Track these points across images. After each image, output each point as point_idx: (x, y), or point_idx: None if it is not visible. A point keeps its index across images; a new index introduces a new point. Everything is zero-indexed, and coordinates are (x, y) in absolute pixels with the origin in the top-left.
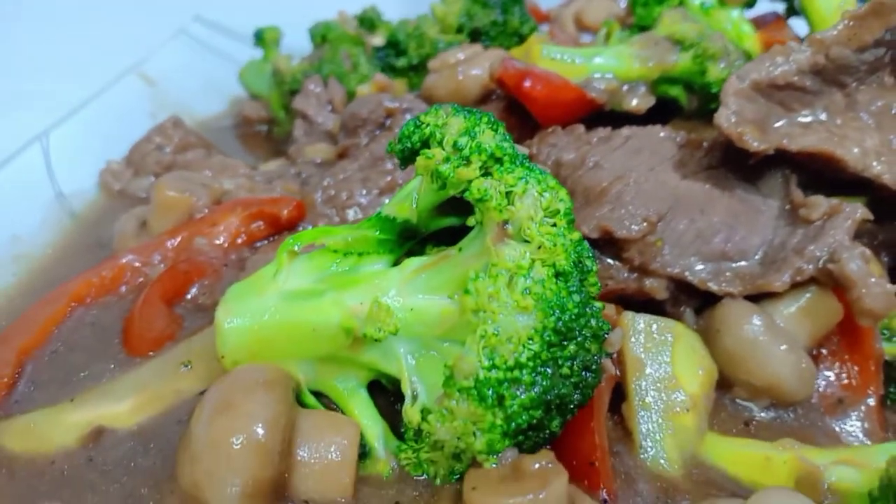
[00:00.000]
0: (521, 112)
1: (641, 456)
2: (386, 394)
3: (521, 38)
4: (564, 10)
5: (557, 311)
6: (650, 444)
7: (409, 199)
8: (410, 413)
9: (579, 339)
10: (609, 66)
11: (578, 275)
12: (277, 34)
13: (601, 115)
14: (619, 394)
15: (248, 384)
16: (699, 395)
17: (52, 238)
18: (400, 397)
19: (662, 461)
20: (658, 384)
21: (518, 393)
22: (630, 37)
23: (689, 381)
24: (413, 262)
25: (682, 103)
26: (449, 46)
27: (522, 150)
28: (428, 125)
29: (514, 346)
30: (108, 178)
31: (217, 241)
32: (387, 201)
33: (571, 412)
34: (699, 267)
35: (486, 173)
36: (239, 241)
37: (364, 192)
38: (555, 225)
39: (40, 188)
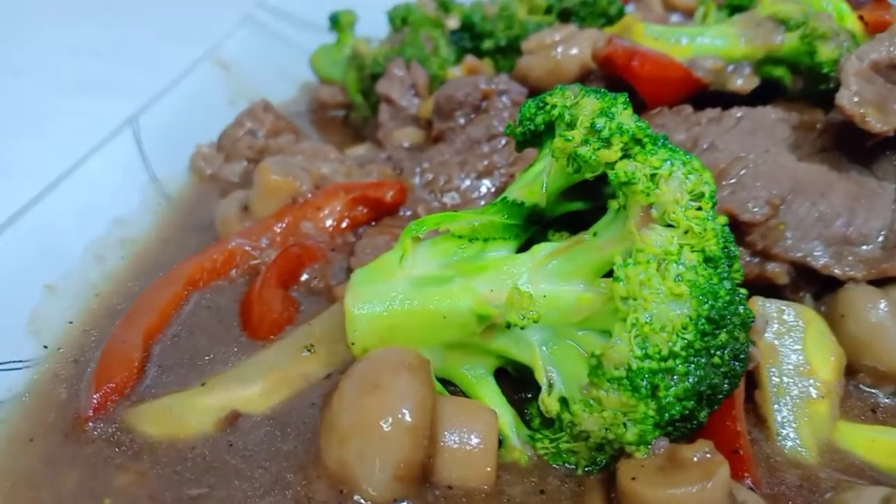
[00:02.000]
0: (622, 91)
1: (779, 443)
2: (509, 380)
3: (609, 19)
4: None
5: (710, 299)
6: (787, 431)
7: (538, 182)
8: (548, 402)
9: (729, 327)
10: (714, 45)
11: (726, 260)
12: (353, 18)
13: (700, 96)
14: (750, 380)
15: (393, 365)
16: (832, 382)
17: (153, 221)
18: (525, 385)
19: (800, 448)
20: (792, 371)
21: (672, 383)
22: (727, 16)
23: (821, 367)
24: (544, 248)
25: (787, 84)
26: (539, 28)
27: None
28: (555, 106)
29: (667, 336)
30: (200, 162)
31: (323, 225)
32: (485, 185)
33: (719, 402)
34: (821, 251)
35: (626, 155)
36: (343, 224)
37: (462, 175)
38: (700, 209)
39: (135, 172)
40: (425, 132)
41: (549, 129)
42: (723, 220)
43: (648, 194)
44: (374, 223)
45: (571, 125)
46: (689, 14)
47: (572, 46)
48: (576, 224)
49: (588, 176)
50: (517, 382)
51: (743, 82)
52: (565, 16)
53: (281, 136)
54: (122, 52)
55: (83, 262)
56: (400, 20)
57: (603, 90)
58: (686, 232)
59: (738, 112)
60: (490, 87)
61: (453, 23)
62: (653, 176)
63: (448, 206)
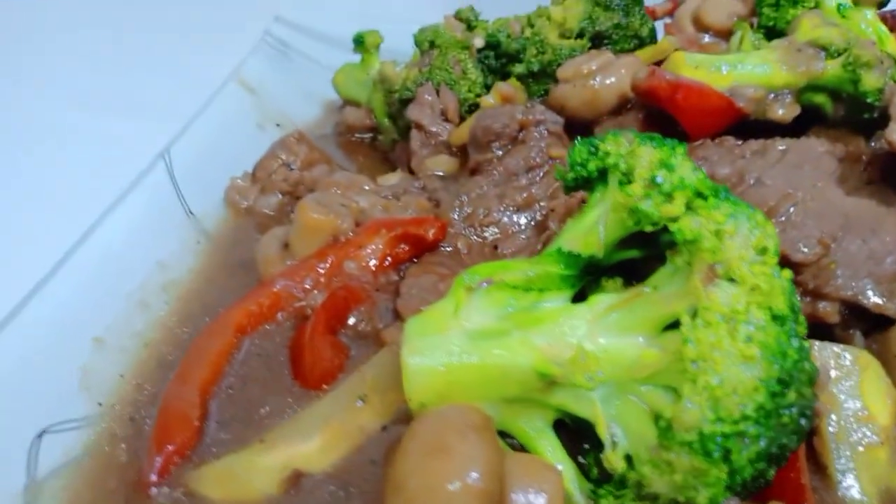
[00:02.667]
0: (662, 122)
1: (840, 493)
2: (565, 429)
3: (640, 41)
4: (682, 10)
5: (780, 360)
6: (847, 478)
7: (594, 233)
8: (612, 460)
9: (797, 384)
10: (755, 73)
11: (793, 317)
12: (378, 39)
13: (739, 125)
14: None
15: (459, 427)
16: (890, 427)
17: (193, 262)
18: (581, 434)
19: (861, 495)
20: (850, 417)
21: (744, 446)
22: (763, 40)
23: (880, 412)
24: (603, 300)
25: (827, 112)
26: (572, 53)
27: None
28: (609, 154)
29: (739, 399)
30: (235, 195)
31: (366, 265)
32: (525, 218)
33: (786, 458)
34: (872, 289)
35: (689, 209)
36: (386, 263)
37: (501, 208)
38: (764, 263)
39: (171, 209)
40: (458, 160)
41: (602, 175)
42: (788, 274)
43: (715, 252)
44: (415, 260)
45: (628, 175)
46: (721, 35)
47: (610, 75)
48: (626, 268)
49: (648, 229)
50: (573, 431)
51: (784, 111)
52: (598, 39)
53: (315, 167)
54: (137, 67)
55: (128, 311)
56: (427, 43)
57: (658, 136)
58: (752, 289)
59: (781, 144)
60: (527, 118)
61: (478, 42)
62: (718, 232)
63: (488, 240)
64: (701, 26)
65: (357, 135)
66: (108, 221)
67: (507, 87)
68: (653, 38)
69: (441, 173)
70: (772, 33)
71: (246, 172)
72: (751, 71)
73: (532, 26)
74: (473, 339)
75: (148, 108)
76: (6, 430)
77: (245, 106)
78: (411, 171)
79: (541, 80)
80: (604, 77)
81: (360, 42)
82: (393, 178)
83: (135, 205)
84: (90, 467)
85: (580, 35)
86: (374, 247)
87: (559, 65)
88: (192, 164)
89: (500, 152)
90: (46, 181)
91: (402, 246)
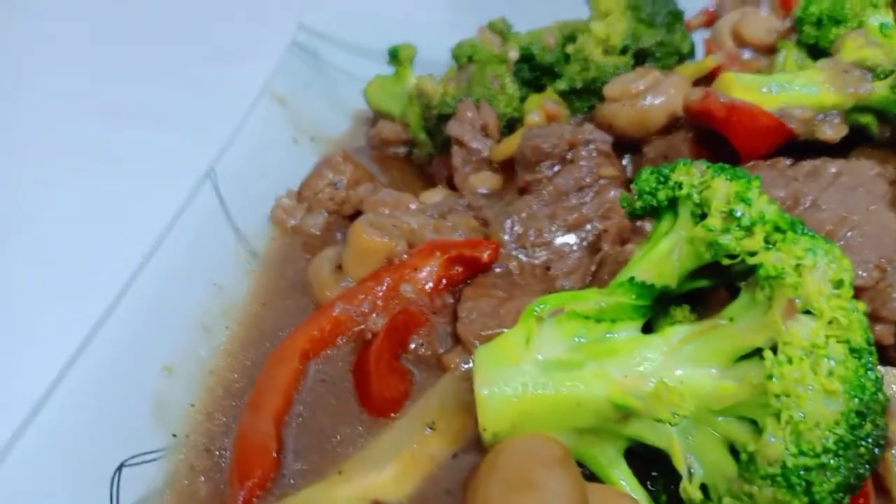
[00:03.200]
0: (711, 141)
1: None
2: (634, 456)
3: (681, 56)
4: (720, 25)
5: (858, 393)
6: None
7: (668, 264)
8: (690, 491)
9: (872, 416)
10: (804, 94)
11: (869, 349)
12: (412, 52)
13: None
14: None
15: (543, 460)
16: None
17: (247, 284)
18: (650, 463)
19: None
20: None
21: (825, 478)
22: (807, 59)
23: None
24: (677, 331)
25: (873, 132)
26: (616, 70)
27: None
28: (681, 185)
29: (821, 432)
30: (281, 214)
31: (422, 287)
32: (577, 238)
33: (860, 488)
34: None
35: (768, 242)
36: (441, 285)
37: (553, 228)
38: (840, 297)
39: (221, 230)
40: (501, 176)
41: (671, 205)
42: (862, 307)
43: (797, 288)
44: (469, 282)
45: (702, 206)
46: (761, 51)
47: (659, 94)
48: (691, 296)
49: (725, 262)
50: (641, 458)
51: (832, 132)
52: (641, 56)
53: (360, 186)
54: (161, 75)
55: (192, 338)
56: (466, 58)
57: (728, 167)
58: (831, 322)
59: (833, 167)
60: (576, 137)
61: (512, 54)
62: (798, 266)
63: (540, 260)
64: (741, 42)
65: (392, 149)
66: (164, 246)
67: (552, 104)
68: (692, 54)
69: (485, 191)
70: (814, 51)
71: (290, 190)
72: (799, 92)
73: (571, 40)
74: (547, 370)
75: (179, 119)
76: (87, 463)
77: (279, 121)
78: (451, 187)
79: (584, 96)
80: (653, 96)
81: (394, 55)
82: (436, 195)
83: (187, 227)
84: (171, 501)
85: (623, 52)
86: (429, 269)
87: (603, 82)
88: (235, 183)
89: (550, 172)
90: (92, 202)
91: (457, 268)
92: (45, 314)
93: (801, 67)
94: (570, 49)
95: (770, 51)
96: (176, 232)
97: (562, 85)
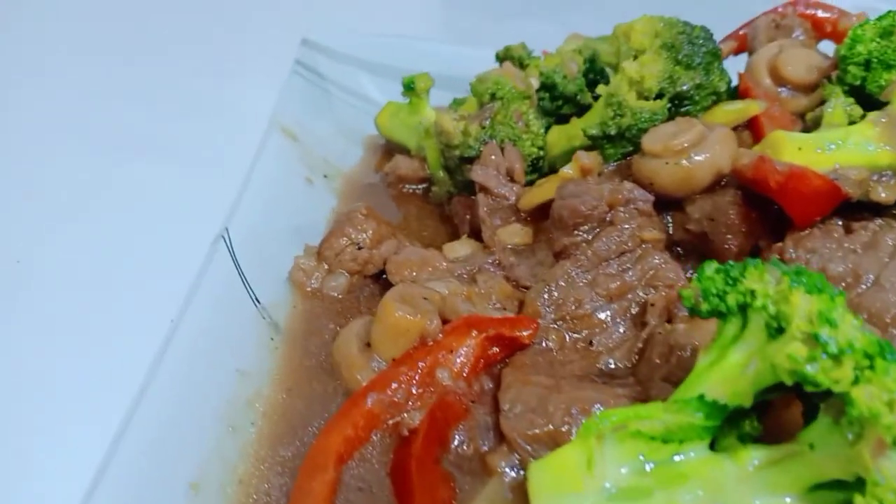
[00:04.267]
0: (759, 202)
1: None
2: None
3: (718, 96)
4: (756, 59)
5: None
6: None
7: (742, 380)
8: None
9: None
10: (859, 153)
11: None
12: (429, 82)
13: None
14: None
15: None
16: None
17: (271, 366)
18: None
19: None
20: None
21: None
22: (855, 107)
23: None
24: (753, 456)
25: None
26: (652, 117)
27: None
28: (754, 293)
29: None
30: (300, 277)
31: (458, 372)
32: (619, 308)
33: None
34: None
35: (857, 370)
36: (478, 368)
37: (593, 298)
38: None
39: (240, 300)
40: (531, 229)
41: (742, 310)
42: None
43: (891, 428)
44: (506, 363)
45: (777, 320)
46: (800, 89)
47: (704, 151)
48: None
49: (809, 389)
50: None
51: (886, 194)
52: (678, 100)
53: (384, 244)
54: (160, 99)
55: (218, 442)
56: (489, 95)
57: (806, 273)
58: None
59: (891, 236)
60: (616, 197)
61: (533, 82)
62: (890, 402)
63: (582, 335)
64: (779, 79)
65: (408, 186)
66: (181, 333)
67: (586, 157)
68: (729, 91)
69: (515, 243)
70: (858, 95)
71: (308, 247)
72: (853, 150)
73: (592, 62)
74: (613, 500)
75: (181, 150)
76: None
77: (291, 159)
78: (474, 232)
79: (617, 143)
80: (697, 153)
81: (410, 87)
82: (462, 248)
83: (204, 305)
84: None
85: (659, 95)
86: (465, 350)
87: (639, 129)
88: (251, 243)
89: (589, 235)
90: (89, 257)
91: (494, 348)
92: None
93: (850, 116)
94: (600, 90)
95: (810, 89)
96: (193, 312)
97: (593, 130)
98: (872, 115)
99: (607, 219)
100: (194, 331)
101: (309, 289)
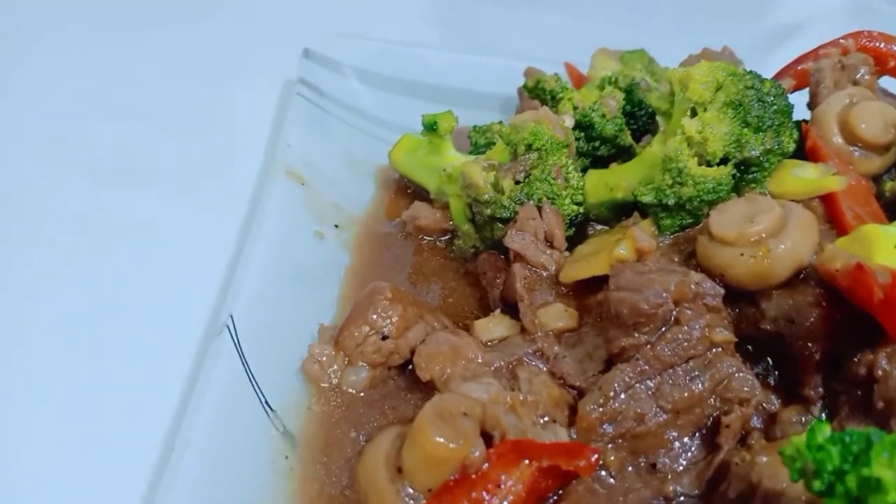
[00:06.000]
0: (844, 303)
1: None
2: None
3: (784, 155)
4: (824, 110)
5: None
6: None
7: None
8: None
9: None
10: None
11: None
12: (453, 122)
13: None
14: None
15: None
16: None
17: (287, 488)
18: None
19: None
20: None
21: None
22: None
23: None
24: None
25: None
26: (717, 188)
27: None
28: (880, 484)
29: None
30: (316, 370)
31: None
32: (683, 428)
33: None
34: None
35: None
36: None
37: (656, 410)
38: None
39: (249, 407)
40: (575, 308)
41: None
42: None
43: None
44: (560, 494)
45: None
46: (874, 149)
47: (783, 240)
48: None
49: None
50: None
51: None
52: (745, 167)
53: (411, 330)
54: (149, 116)
55: None
56: (524, 146)
57: None
58: None
59: None
60: (683, 292)
61: (567, 122)
62: None
63: (645, 458)
64: (851, 137)
65: (428, 237)
66: (187, 455)
67: (643, 237)
68: (797, 151)
69: (559, 326)
70: None
71: (322, 329)
72: None
73: (630, 94)
74: None
75: (173, 179)
76: None
77: (298, 210)
78: (504, 302)
79: (675, 214)
80: (777, 243)
81: (432, 128)
82: (496, 329)
83: (206, 419)
84: None
85: (723, 162)
86: (514, 484)
87: (701, 200)
88: (258, 331)
89: (652, 336)
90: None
91: (547, 481)
92: None
93: None
94: (655, 148)
95: (885, 149)
96: (197, 422)
97: (648, 196)
98: None
99: (672, 317)
100: (194, 461)
101: (325, 385)
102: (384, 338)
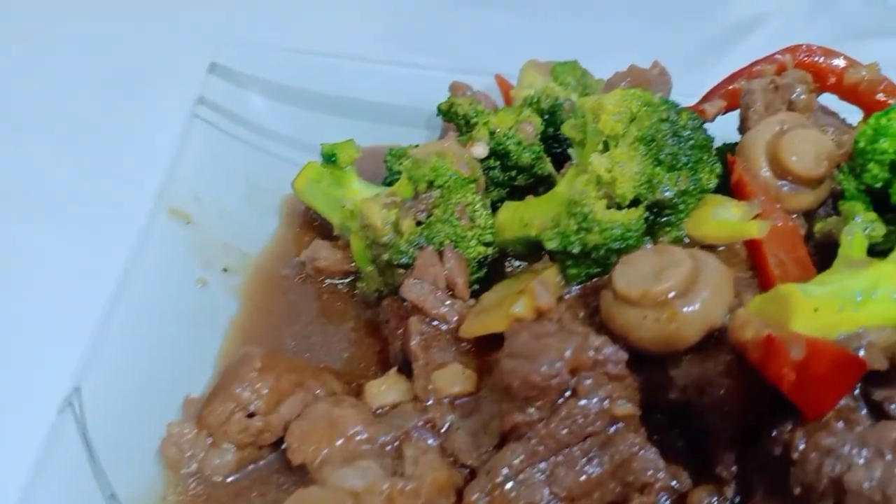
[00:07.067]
0: (756, 373)
1: None
2: None
3: (704, 192)
4: (752, 139)
5: None
6: None
7: None
8: None
9: None
10: (890, 309)
11: None
12: (354, 153)
13: None
14: None
15: None
16: None
17: None
18: None
19: None
20: None
21: None
22: (878, 224)
23: None
24: None
25: None
26: (625, 235)
27: None
28: None
29: None
30: (174, 453)
31: None
32: None
33: None
34: None
35: None
36: None
37: (550, 496)
38: None
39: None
40: (474, 369)
41: None
42: None
43: None
44: None
45: None
46: (806, 183)
47: (693, 301)
48: None
49: None
50: None
51: None
52: (659, 209)
53: (284, 404)
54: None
55: None
56: (426, 183)
57: None
58: None
59: None
60: (581, 359)
61: (480, 150)
62: None
63: None
64: (780, 171)
65: (329, 279)
66: None
67: (543, 293)
68: (718, 188)
69: (455, 391)
70: (876, 196)
71: (188, 401)
72: (882, 305)
73: (551, 116)
74: None
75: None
76: None
77: (179, 253)
78: (405, 357)
79: (581, 263)
80: (686, 304)
81: (332, 159)
82: (389, 393)
83: None
84: None
85: (634, 204)
86: None
87: (608, 249)
88: (111, 403)
89: (546, 412)
90: None
91: None
92: None
93: (871, 239)
94: (564, 189)
95: (818, 182)
96: None
97: (552, 243)
98: None
99: (569, 389)
100: None
101: (184, 471)
102: (251, 415)
